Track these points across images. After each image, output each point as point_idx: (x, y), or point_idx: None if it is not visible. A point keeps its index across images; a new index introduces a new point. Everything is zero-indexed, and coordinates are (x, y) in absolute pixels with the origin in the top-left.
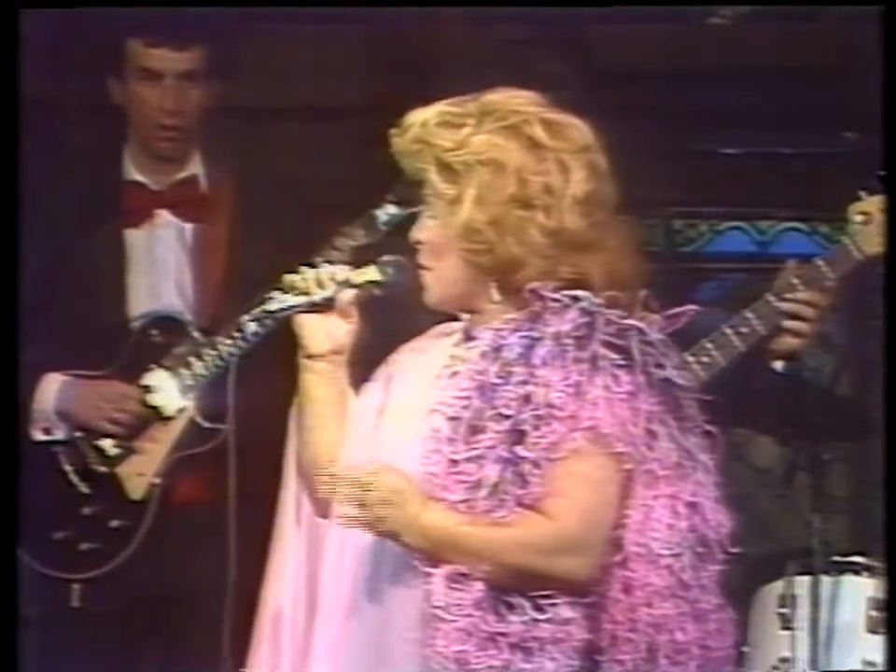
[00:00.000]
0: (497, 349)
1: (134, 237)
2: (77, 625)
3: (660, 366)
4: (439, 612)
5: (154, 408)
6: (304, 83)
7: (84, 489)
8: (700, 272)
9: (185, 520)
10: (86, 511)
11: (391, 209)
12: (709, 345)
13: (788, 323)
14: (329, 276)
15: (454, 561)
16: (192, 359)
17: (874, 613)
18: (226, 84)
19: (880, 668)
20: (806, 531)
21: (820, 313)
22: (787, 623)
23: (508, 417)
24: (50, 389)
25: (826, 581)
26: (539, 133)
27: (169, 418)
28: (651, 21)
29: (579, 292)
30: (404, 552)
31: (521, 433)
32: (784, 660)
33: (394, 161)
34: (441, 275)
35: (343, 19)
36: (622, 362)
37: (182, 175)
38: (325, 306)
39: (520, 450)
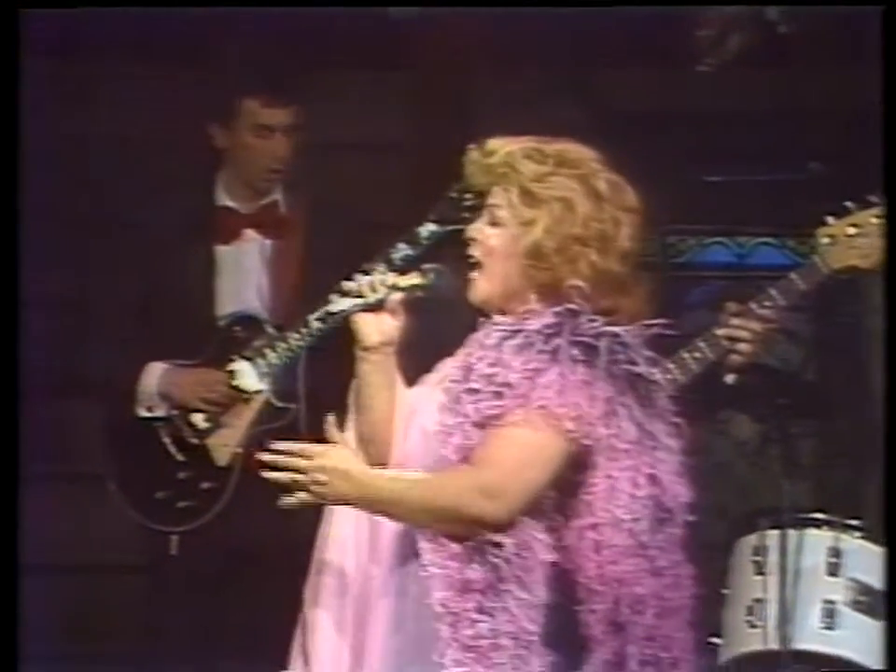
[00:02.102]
0: (485, 336)
1: (225, 252)
2: (175, 570)
3: (632, 363)
4: (428, 567)
5: (237, 390)
6: (364, 124)
7: (180, 457)
8: (689, 279)
9: (263, 483)
10: (181, 475)
11: (431, 227)
12: (702, 344)
13: (728, 344)
14: (380, 282)
15: (391, 516)
16: (268, 351)
17: (832, 560)
18: (309, 129)
19: (839, 608)
20: (777, 493)
21: (756, 336)
22: (760, 569)
23: (476, 392)
24: (153, 375)
25: (792, 533)
26: (602, 186)
27: (249, 399)
28: (646, 68)
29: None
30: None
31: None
32: (758, 600)
33: (435, 188)
34: (492, 272)
35: (394, 69)
36: (582, 357)
37: (266, 200)
38: (377, 306)
39: (470, 410)
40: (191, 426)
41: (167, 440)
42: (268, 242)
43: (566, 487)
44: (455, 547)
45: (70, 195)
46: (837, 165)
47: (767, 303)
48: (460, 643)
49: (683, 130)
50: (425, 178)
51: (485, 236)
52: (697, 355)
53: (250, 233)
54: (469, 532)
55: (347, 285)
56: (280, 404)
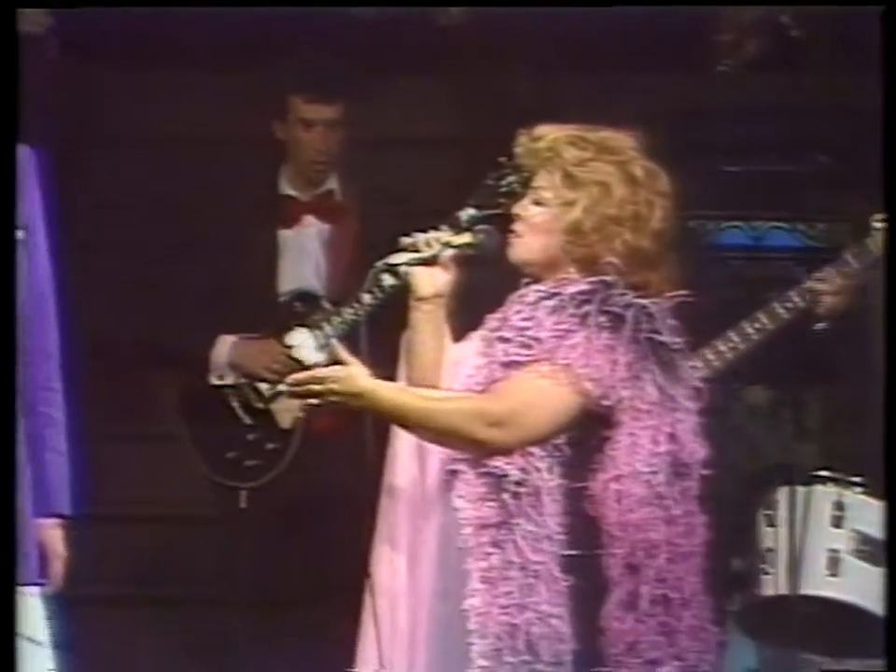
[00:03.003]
0: (525, 295)
1: (286, 236)
2: (245, 522)
3: (657, 332)
4: (457, 506)
5: (297, 360)
6: (409, 121)
7: (247, 420)
8: (708, 259)
9: (322, 443)
10: (249, 436)
11: (471, 211)
12: (762, 315)
13: (811, 297)
14: (434, 238)
15: (406, 429)
16: (324, 324)
17: (836, 513)
18: (356, 125)
19: (842, 557)
20: (787, 453)
21: (836, 289)
22: (771, 522)
23: (507, 340)
24: (224, 347)
25: (801, 490)
26: (638, 172)
27: (308, 368)
28: (672, 69)
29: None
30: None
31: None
32: (769, 549)
33: (476, 178)
34: (530, 244)
35: (440, 70)
36: (608, 324)
37: (323, 189)
38: (431, 261)
39: (499, 353)
40: (257, 392)
41: (236, 405)
42: (325, 226)
43: (593, 443)
44: (479, 487)
45: (156, 190)
46: (844, 158)
47: (820, 276)
48: (477, 575)
49: (704, 125)
50: (467, 169)
51: (529, 214)
52: (788, 304)
53: (309, 219)
54: (470, 453)
55: (405, 240)
56: None
